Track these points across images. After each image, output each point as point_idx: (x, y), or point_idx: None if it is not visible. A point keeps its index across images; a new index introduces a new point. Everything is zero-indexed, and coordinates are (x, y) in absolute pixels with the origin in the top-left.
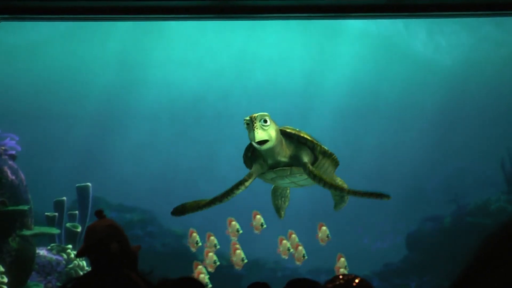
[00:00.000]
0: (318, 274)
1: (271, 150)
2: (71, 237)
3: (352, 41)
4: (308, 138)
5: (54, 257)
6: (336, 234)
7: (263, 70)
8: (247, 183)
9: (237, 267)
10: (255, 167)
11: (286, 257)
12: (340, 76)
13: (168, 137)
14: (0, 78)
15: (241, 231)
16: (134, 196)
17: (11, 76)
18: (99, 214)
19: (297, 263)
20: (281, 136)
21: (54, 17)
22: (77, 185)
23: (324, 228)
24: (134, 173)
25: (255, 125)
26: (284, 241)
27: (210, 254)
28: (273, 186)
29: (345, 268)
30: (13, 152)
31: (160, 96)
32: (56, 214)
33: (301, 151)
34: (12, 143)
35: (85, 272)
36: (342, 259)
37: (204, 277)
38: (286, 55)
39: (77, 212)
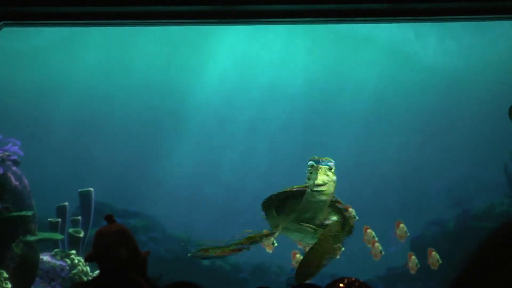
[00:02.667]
0: (322, 278)
1: (320, 202)
2: (74, 242)
3: (355, 45)
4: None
5: (58, 262)
6: None
7: (266, 75)
8: (276, 235)
9: (375, 258)
10: (283, 218)
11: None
12: (343, 81)
13: (171, 142)
14: (2, 84)
15: (276, 244)
16: (138, 201)
17: (13, 82)
18: (109, 219)
19: (375, 258)
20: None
21: (56, 22)
22: (79, 190)
23: (369, 230)
24: (137, 178)
25: (321, 166)
26: (298, 255)
27: (369, 230)
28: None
29: (373, 238)
30: (16, 157)
31: (163, 101)
32: (59, 220)
33: (335, 219)
34: (14, 148)
35: (89, 277)
36: (369, 231)
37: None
38: (289, 59)
39: (79, 217)
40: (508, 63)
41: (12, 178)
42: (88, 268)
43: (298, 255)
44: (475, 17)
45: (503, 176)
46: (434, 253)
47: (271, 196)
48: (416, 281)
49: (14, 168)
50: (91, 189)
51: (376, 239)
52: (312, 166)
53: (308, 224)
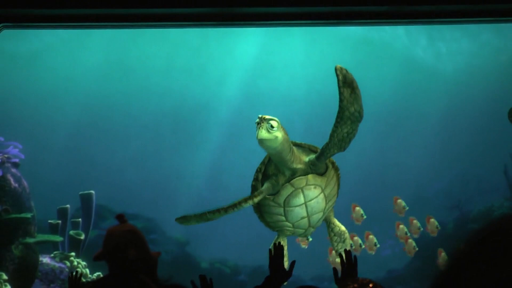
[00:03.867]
0: (321, 281)
1: (278, 156)
2: (74, 244)
3: (354, 47)
4: (318, 148)
5: (57, 264)
6: None
7: (265, 77)
8: (255, 199)
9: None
10: (266, 185)
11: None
12: None
13: (171, 144)
14: (3, 86)
15: (310, 239)
16: (137, 203)
17: (14, 84)
18: (120, 218)
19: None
20: (291, 145)
21: (56, 24)
22: (80, 192)
23: (371, 236)
24: (137, 180)
25: (262, 124)
26: (356, 238)
27: (356, 238)
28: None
29: (375, 245)
30: (17, 160)
31: (163, 104)
32: (60, 221)
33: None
34: (15, 151)
35: (88, 279)
36: (401, 226)
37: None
38: (288, 61)
39: (80, 219)
40: (509, 65)
41: (12, 180)
42: (87, 270)
43: (334, 251)
44: (475, 20)
45: (503, 178)
46: (371, 236)
47: (253, 179)
48: (415, 282)
49: (13, 170)
50: (92, 191)
51: (409, 234)
52: (257, 123)
53: (297, 177)
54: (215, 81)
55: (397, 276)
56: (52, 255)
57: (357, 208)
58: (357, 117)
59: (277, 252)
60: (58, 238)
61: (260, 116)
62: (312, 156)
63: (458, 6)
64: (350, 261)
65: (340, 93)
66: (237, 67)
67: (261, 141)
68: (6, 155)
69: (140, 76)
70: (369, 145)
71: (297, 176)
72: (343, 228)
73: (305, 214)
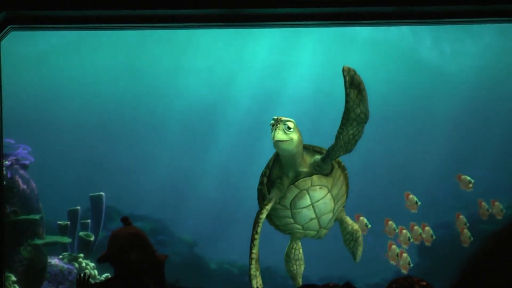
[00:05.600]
0: (329, 281)
1: (291, 158)
2: (84, 246)
3: (361, 48)
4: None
5: (66, 266)
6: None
7: (273, 78)
8: (268, 207)
9: (403, 270)
10: (274, 191)
11: (395, 263)
12: None
13: (178, 145)
14: (11, 88)
15: (369, 226)
16: (145, 205)
17: (22, 86)
18: (125, 220)
19: (403, 271)
20: (302, 148)
21: (63, 26)
22: (90, 194)
23: (361, 218)
24: (145, 182)
25: (278, 126)
26: (394, 246)
27: (404, 231)
28: (286, 250)
29: (394, 230)
30: (26, 162)
31: (171, 105)
32: (68, 223)
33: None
34: (24, 153)
35: (96, 281)
36: (390, 222)
37: (395, 249)
38: (295, 62)
39: (89, 221)
40: None
41: (20, 182)
42: (96, 272)
43: (393, 246)
44: (484, 20)
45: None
46: (404, 254)
47: (259, 184)
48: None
49: (22, 171)
50: (102, 193)
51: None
52: (271, 124)
53: (301, 178)
54: (223, 82)
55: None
56: (60, 256)
57: (361, 218)
58: (363, 119)
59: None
60: (66, 240)
61: (275, 117)
62: (318, 157)
63: (465, 6)
64: None
65: (347, 94)
66: (245, 68)
67: (277, 143)
68: (15, 158)
69: (148, 77)
70: (376, 146)
71: (301, 178)
72: (356, 226)
73: (313, 215)
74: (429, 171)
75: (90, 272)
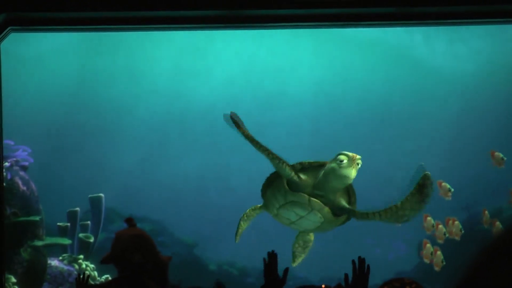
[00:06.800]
0: (329, 283)
1: (337, 189)
2: (83, 247)
3: (362, 49)
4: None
5: (66, 267)
6: (347, 245)
7: (272, 79)
8: (288, 167)
9: (436, 268)
10: (306, 178)
11: (429, 261)
12: (351, 85)
13: (178, 147)
14: (11, 90)
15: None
16: (144, 206)
17: (22, 88)
18: (129, 222)
19: (436, 268)
20: None
21: (63, 28)
22: (89, 196)
23: (439, 252)
24: (144, 183)
25: (357, 162)
26: (428, 245)
27: (440, 226)
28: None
29: (432, 226)
30: (25, 164)
31: (170, 106)
32: (68, 224)
33: (343, 202)
34: (24, 154)
35: (96, 282)
36: (429, 218)
37: (430, 248)
38: (295, 63)
39: (89, 222)
40: None
41: (20, 183)
42: (96, 273)
43: (428, 245)
44: (484, 21)
45: None
46: (439, 252)
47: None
48: (424, 284)
49: (21, 173)
50: (102, 194)
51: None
52: (347, 157)
53: (318, 198)
54: (222, 83)
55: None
56: (60, 258)
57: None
58: (401, 220)
59: (271, 260)
60: (66, 241)
61: (352, 155)
62: (342, 201)
63: (467, 7)
64: (362, 270)
65: (410, 194)
66: (245, 69)
67: (350, 179)
68: (15, 159)
69: (147, 79)
70: (376, 147)
71: (319, 199)
72: (312, 238)
73: (293, 220)
74: (429, 172)
75: (89, 273)
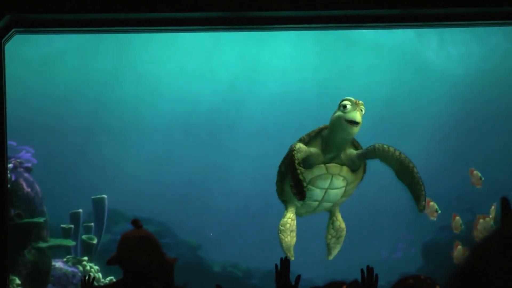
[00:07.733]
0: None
1: (345, 140)
2: (87, 249)
3: (366, 51)
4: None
5: (70, 269)
6: (352, 246)
7: (276, 81)
8: (300, 154)
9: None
10: (311, 149)
11: (457, 232)
12: (355, 86)
13: (182, 148)
14: (15, 91)
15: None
16: (148, 207)
17: (26, 89)
18: (135, 223)
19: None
20: None
21: (67, 29)
22: (92, 197)
23: (459, 247)
24: (148, 184)
25: (360, 108)
26: (459, 247)
27: (457, 218)
28: (282, 221)
29: (460, 226)
30: (29, 165)
31: (174, 108)
32: (72, 226)
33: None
34: (27, 155)
35: (100, 283)
36: (457, 218)
37: (461, 249)
38: (299, 65)
39: (92, 224)
40: None
41: (24, 185)
42: (100, 275)
43: (459, 246)
44: (489, 23)
45: None
46: (459, 246)
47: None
48: None
49: (26, 174)
50: (105, 196)
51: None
52: (350, 101)
53: (335, 162)
54: (227, 85)
55: None
56: (64, 259)
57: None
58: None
59: (283, 267)
60: (70, 243)
61: (351, 99)
62: (353, 151)
63: (470, 9)
64: (371, 279)
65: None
66: (249, 71)
67: (354, 124)
68: (18, 160)
69: (151, 81)
70: None
71: (334, 162)
72: (343, 225)
73: (320, 198)
74: (433, 174)
75: (94, 275)
